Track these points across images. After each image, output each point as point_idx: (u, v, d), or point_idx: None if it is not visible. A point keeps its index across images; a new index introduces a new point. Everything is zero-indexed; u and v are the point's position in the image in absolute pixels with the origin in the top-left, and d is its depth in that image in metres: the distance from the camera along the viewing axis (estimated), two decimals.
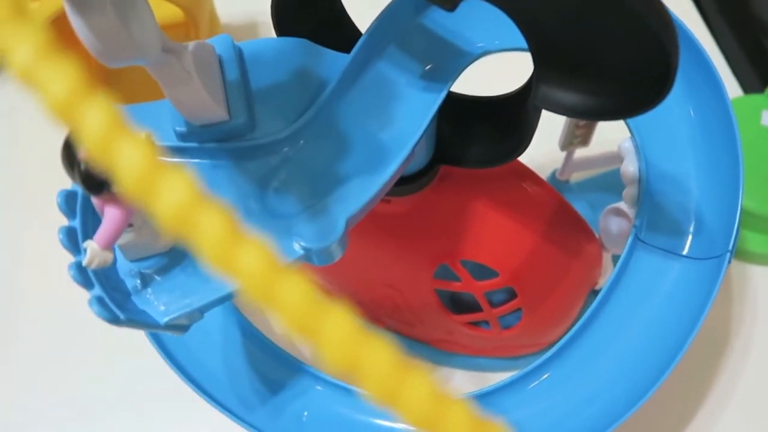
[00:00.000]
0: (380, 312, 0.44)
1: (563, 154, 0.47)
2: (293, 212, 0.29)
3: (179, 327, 0.28)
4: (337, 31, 0.33)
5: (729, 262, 0.33)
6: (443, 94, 0.30)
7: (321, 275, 0.44)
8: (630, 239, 0.35)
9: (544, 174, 0.51)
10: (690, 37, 0.34)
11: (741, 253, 0.49)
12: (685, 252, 0.35)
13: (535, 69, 0.27)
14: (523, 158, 0.52)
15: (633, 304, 0.35)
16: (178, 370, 0.36)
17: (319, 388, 0.36)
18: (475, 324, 0.42)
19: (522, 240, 0.38)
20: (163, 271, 0.28)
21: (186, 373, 0.36)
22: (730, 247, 0.33)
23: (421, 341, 0.46)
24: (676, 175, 0.36)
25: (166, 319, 0.27)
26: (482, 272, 0.39)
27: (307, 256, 0.28)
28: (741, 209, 0.33)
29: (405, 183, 0.35)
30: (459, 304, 0.43)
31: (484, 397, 0.36)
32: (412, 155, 0.30)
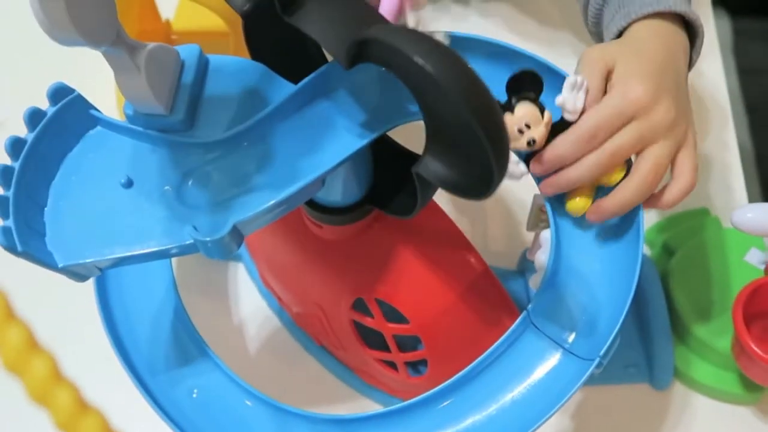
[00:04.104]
0: (314, 330, 0.48)
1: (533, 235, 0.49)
2: (198, 205, 0.33)
3: (77, 275, 0.33)
4: (305, 59, 0.37)
5: (597, 367, 0.35)
6: (365, 142, 0.34)
7: (274, 281, 0.48)
8: (521, 317, 0.37)
9: (515, 253, 0.53)
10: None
11: (687, 380, 0.49)
12: (567, 345, 0.36)
13: (426, 141, 0.30)
14: (497, 237, 0.55)
15: (507, 381, 0.37)
16: (105, 320, 0.41)
17: (215, 374, 0.40)
18: (388, 364, 0.44)
19: (439, 296, 0.41)
20: None
21: (112, 326, 0.41)
22: (600, 354, 0.35)
23: (348, 367, 0.48)
24: (584, 276, 0.37)
25: (62, 265, 0.32)
26: (398, 316, 0.41)
27: (196, 246, 0.32)
28: (619, 328, 0.35)
29: (335, 213, 0.39)
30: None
31: None
32: (317, 185, 0.34)
